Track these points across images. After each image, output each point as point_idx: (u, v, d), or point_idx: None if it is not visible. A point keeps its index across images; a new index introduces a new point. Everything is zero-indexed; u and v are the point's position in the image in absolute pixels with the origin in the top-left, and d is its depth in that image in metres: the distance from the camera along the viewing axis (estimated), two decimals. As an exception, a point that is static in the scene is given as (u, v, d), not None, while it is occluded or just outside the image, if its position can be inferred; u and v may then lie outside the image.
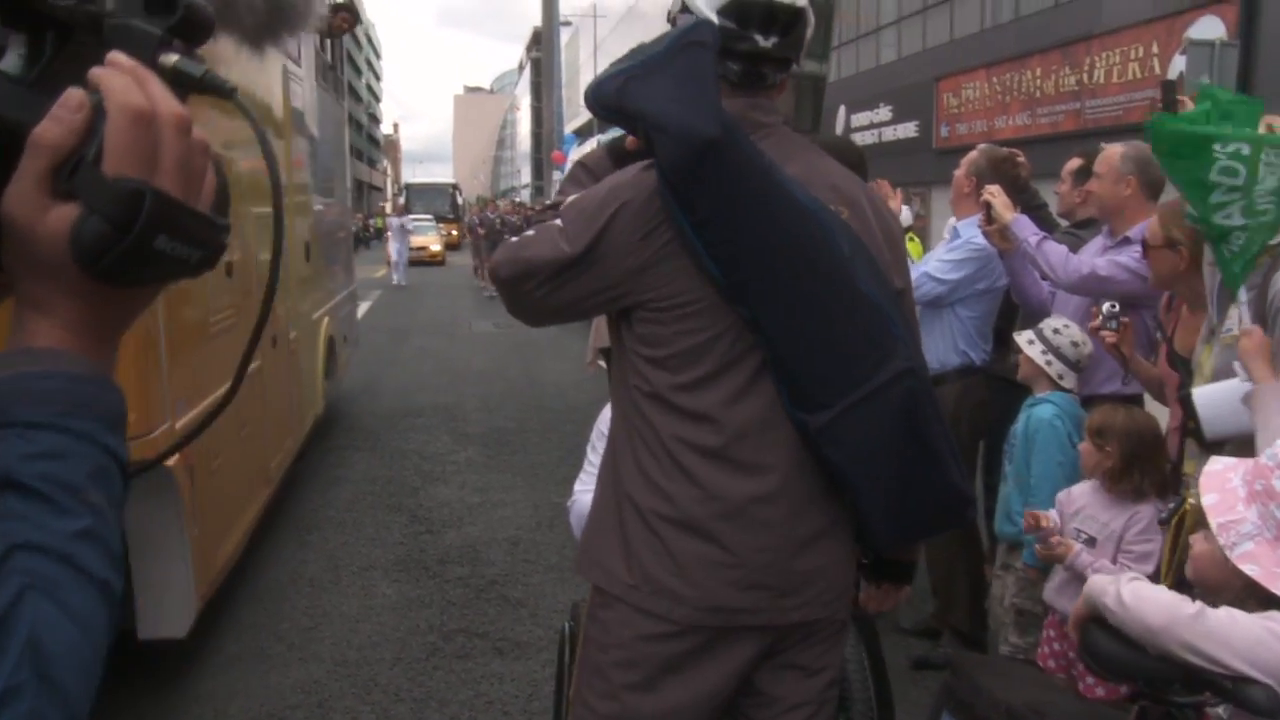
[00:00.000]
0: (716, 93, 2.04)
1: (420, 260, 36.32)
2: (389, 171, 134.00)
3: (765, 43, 2.19)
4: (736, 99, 2.18)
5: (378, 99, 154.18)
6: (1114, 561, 3.34)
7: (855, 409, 2.11)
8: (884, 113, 30.58)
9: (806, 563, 2.20)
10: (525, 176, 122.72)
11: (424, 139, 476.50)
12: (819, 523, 2.21)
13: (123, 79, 0.83)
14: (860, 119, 31.51)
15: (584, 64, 66.78)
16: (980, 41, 26.37)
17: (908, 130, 29.15)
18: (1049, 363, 3.88)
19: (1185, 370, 3.38)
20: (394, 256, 28.98)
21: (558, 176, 31.53)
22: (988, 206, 4.33)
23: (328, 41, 9.78)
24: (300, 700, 4.61)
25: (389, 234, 30.43)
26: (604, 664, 2.27)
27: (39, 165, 0.81)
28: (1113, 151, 4.29)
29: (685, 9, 2.26)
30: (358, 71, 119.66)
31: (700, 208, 2.02)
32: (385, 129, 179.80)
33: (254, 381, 5.85)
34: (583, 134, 49.02)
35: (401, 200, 54.37)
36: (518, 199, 39.18)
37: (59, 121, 0.81)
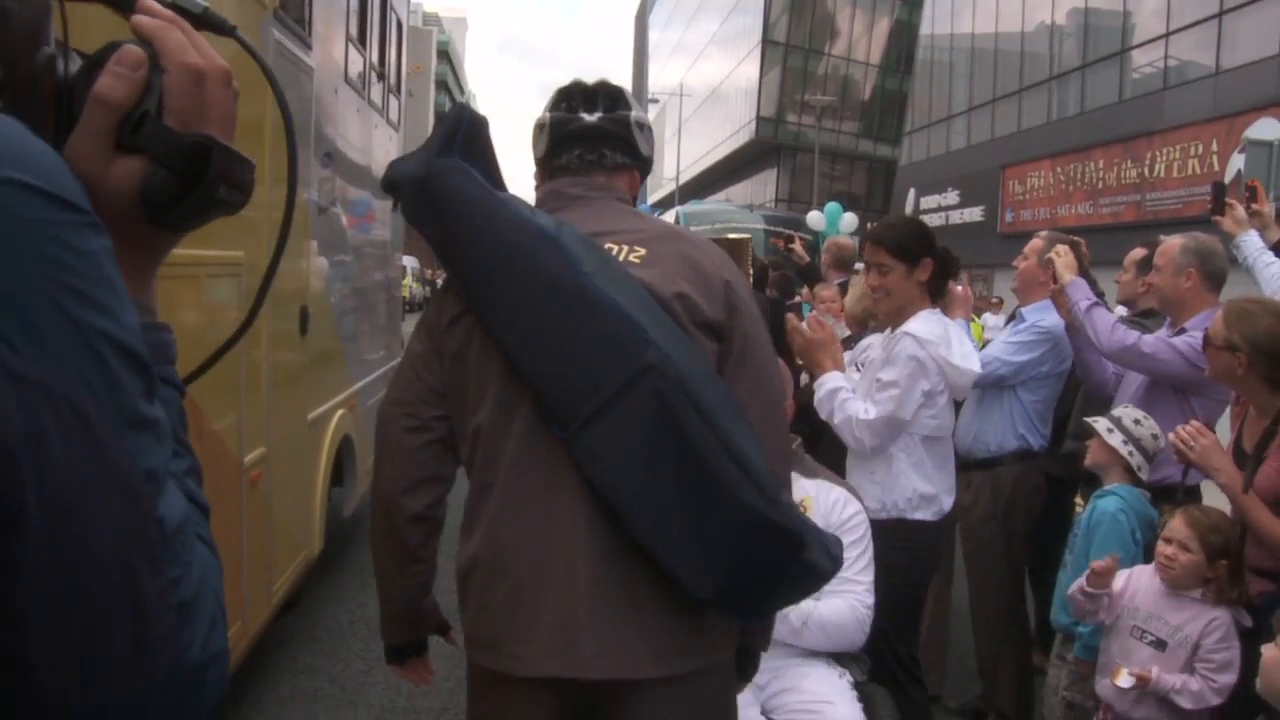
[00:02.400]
0: (439, 144, 2.10)
1: None
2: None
3: (591, 117, 2.25)
4: (562, 179, 2.26)
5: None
6: (1189, 671, 2.99)
7: (601, 416, 1.95)
8: (952, 197, 30.42)
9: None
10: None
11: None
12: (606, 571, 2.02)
13: (177, 36, 0.83)
14: (929, 201, 31.37)
15: (669, 139, 67.37)
16: (1046, 133, 26.18)
17: (974, 214, 28.96)
18: (1131, 453, 3.57)
19: (1252, 468, 3.09)
20: None
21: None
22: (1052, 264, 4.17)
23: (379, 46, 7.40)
24: (346, 746, 4.42)
25: None
26: None
27: (104, 121, 0.79)
28: (1171, 244, 4.06)
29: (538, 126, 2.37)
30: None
31: (430, 239, 2.15)
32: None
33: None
34: (664, 205, 49.41)
35: None
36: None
37: (121, 79, 0.79)
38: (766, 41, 50.32)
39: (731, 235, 5.86)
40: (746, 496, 1.91)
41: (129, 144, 0.80)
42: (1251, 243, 4.31)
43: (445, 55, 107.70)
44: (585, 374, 1.96)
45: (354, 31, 6.38)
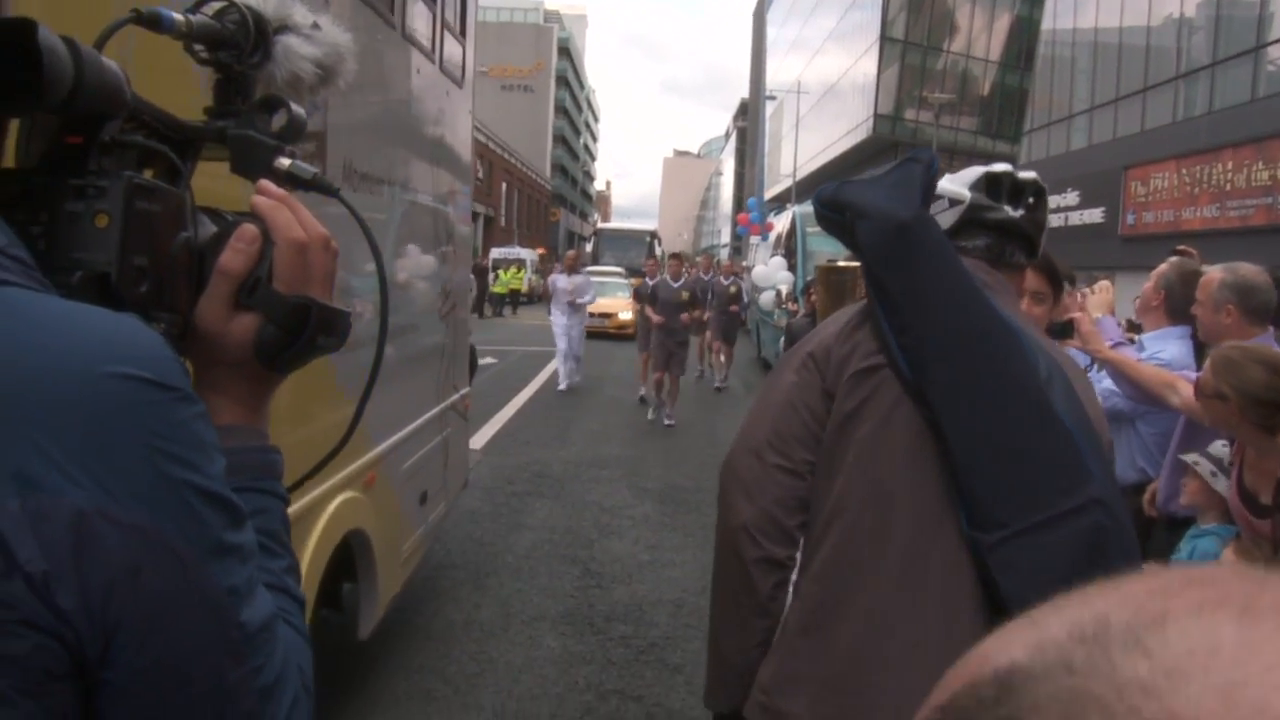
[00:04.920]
0: (919, 193, 2.03)
1: (601, 332, 25.07)
2: (598, 224, 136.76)
3: (1014, 213, 2.16)
4: (965, 260, 2.07)
5: (593, 158, 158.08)
6: None
7: (1034, 532, 1.81)
8: (1071, 198, 29.55)
9: None
10: (725, 236, 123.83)
11: (635, 196, 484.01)
12: None
13: (285, 214, 0.99)
14: (1049, 202, 30.54)
15: (785, 135, 66.72)
16: (1171, 133, 25.24)
17: (1094, 216, 28.10)
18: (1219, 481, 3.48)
19: (1258, 507, 3.13)
20: (560, 344, 16.30)
21: (755, 241, 31.29)
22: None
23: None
24: (458, 750, 4.47)
25: (551, 302, 17.10)
26: None
27: (226, 288, 0.96)
28: (1211, 277, 3.84)
29: (937, 197, 2.19)
30: (576, 132, 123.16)
31: (892, 289, 1.96)
32: (599, 185, 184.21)
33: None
34: (780, 201, 48.97)
35: (589, 248, 46.37)
36: (716, 257, 38.47)
37: (240, 253, 0.96)
38: (884, 38, 49.56)
39: (842, 264, 5.70)
40: None
41: (245, 304, 0.96)
42: None
43: (566, 51, 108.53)
44: (1029, 486, 1.84)
45: None
